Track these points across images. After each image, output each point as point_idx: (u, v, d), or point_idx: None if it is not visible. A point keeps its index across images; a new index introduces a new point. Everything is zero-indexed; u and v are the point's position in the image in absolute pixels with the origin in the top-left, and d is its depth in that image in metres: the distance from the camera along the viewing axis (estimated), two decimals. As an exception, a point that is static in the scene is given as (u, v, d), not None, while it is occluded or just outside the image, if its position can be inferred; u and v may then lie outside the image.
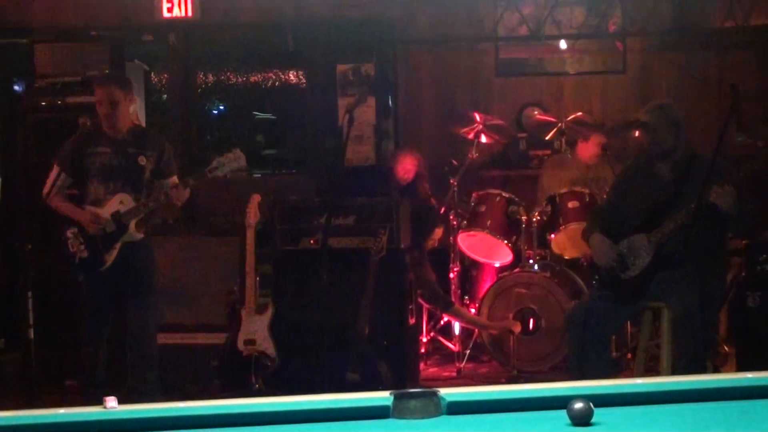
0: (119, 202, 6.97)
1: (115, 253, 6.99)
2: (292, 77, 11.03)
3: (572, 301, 8.04)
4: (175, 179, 7.18)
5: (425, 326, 8.80)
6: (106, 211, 6.95)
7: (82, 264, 7.04)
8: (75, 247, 7.01)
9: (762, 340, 7.31)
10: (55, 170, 7.07)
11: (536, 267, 8.41)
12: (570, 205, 8.37)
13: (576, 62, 10.35)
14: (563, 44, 10.25)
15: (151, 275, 7.21)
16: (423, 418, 3.24)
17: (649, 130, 6.58)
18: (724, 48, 10.16)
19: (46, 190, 7.05)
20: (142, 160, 7.06)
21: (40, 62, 8.32)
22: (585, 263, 8.39)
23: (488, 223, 8.52)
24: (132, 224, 6.98)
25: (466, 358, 8.52)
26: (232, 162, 6.97)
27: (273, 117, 11.44)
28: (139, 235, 7.04)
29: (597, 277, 6.73)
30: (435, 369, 8.67)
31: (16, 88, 9.44)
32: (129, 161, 7.05)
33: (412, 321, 7.86)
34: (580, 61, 10.36)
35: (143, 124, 9.12)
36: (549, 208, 8.46)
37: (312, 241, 7.63)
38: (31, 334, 6.76)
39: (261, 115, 11.46)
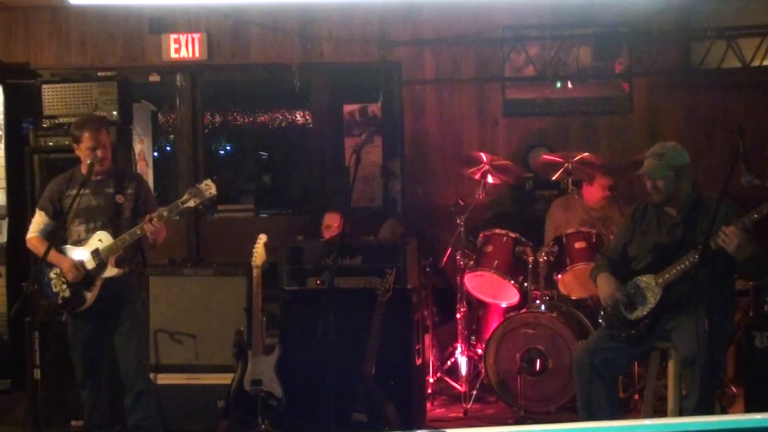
0: (98, 240, 7.05)
1: (96, 290, 7.07)
2: (299, 117, 11.07)
3: (579, 341, 8.01)
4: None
5: (432, 366, 8.78)
6: (87, 249, 7.01)
7: (65, 303, 7.10)
8: (58, 287, 7.06)
9: (770, 381, 7.28)
10: (38, 215, 7.24)
11: (543, 307, 8.38)
12: (577, 245, 8.36)
13: (582, 102, 10.37)
14: (569, 84, 10.28)
15: (134, 310, 7.27)
16: (430, 459, 3.22)
17: (649, 179, 6.59)
18: (730, 88, 10.19)
19: (29, 235, 7.24)
20: (120, 199, 7.15)
21: (47, 102, 8.35)
22: (592, 303, 8.37)
23: (495, 263, 8.51)
24: (111, 260, 7.05)
25: (473, 398, 8.49)
26: (203, 192, 6.99)
27: (279, 157, 11.45)
28: (119, 271, 7.08)
29: (604, 316, 6.71)
30: (442, 410, 8.61)
31: (24, 128, 9.46)
32: (107, 201, 7.14)
33: (418, 361, 7.84)
34: (586, 101, 10.37)
35: (150, 164, 9.13)
36: (556, 249, 8.44)
37: (318, 282, 7.63)
38: (37, 374, 6.75)
39: (267, 156, 11.48)
